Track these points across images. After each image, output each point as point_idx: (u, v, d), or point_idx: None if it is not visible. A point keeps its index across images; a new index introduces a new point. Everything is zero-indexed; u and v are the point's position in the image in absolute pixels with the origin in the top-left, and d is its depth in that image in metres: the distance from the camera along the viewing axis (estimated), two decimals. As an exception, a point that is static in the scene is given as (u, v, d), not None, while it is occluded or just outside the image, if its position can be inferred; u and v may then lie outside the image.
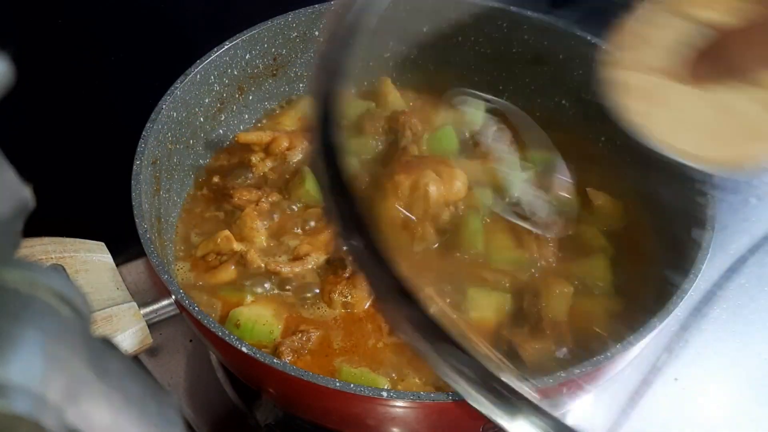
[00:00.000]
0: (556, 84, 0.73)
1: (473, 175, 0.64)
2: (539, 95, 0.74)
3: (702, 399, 0.71)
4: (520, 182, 0.57)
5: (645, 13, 0.41)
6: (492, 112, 0.68)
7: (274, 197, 0.67)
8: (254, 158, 0.70)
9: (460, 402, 0.48)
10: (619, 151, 0.67)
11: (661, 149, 0.39)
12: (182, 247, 0.65)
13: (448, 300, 0.59)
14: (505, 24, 0.73)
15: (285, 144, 0.70)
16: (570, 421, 0.69)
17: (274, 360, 0.49)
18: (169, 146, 0.65)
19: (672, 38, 0.38)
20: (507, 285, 0.60)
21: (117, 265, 0.60)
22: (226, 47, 0.68)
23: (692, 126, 0.38)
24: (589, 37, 0.68)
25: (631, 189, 0.65)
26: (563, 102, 0.74)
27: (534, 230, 0.55)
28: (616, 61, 0.41)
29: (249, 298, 0.61)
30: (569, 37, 0.69)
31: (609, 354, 0.50)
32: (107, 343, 0.23)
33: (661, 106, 0.39)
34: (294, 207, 0.67)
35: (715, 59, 0.38)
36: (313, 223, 0.65)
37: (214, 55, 0.67)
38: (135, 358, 0.65)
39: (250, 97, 0.74)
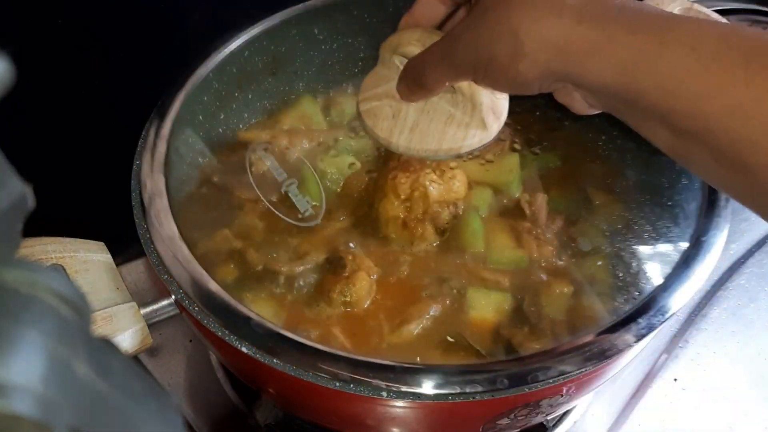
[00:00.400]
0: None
1: (473, 175, 0.64)
2: (540, 94, 0.74)
3: (702, 399, 0.71)
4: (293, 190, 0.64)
5: (384, 59, 0.55)
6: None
7: (274, 196, 0.67)
8: (253, 157, 0.70)
9: (461, 402, 0.48)
10: (620, 151, 0.67)
11: (394, 150, 0.55)
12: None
13: (447, 300, 0.60)
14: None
15: (284, 142, 0.70)
16: (570, 421, 0.69)
17: (274, 360, 0.49)
18: (169, 146, 0.65)
19: (398, 72, 0.53)
20: (507, 285, 0.60)
21: (117, 265, 0.60)
22: (224, 45, 0.68)
23: (409, 129, 0.53)
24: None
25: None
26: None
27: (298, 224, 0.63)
28: (366, 96, 0.56)
29: (248, 298, 0.61)
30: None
31: (609, 354, 0.50)
32: (107, 343, 0.23)
33: (389, 120, 0.54)
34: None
35: (404, 80, 0.52)
36: (312, 222, 0.65)
37: (212, 53, 0.67)
38: (135, 358, 0.65)
39: (250, 96, 0.74)
